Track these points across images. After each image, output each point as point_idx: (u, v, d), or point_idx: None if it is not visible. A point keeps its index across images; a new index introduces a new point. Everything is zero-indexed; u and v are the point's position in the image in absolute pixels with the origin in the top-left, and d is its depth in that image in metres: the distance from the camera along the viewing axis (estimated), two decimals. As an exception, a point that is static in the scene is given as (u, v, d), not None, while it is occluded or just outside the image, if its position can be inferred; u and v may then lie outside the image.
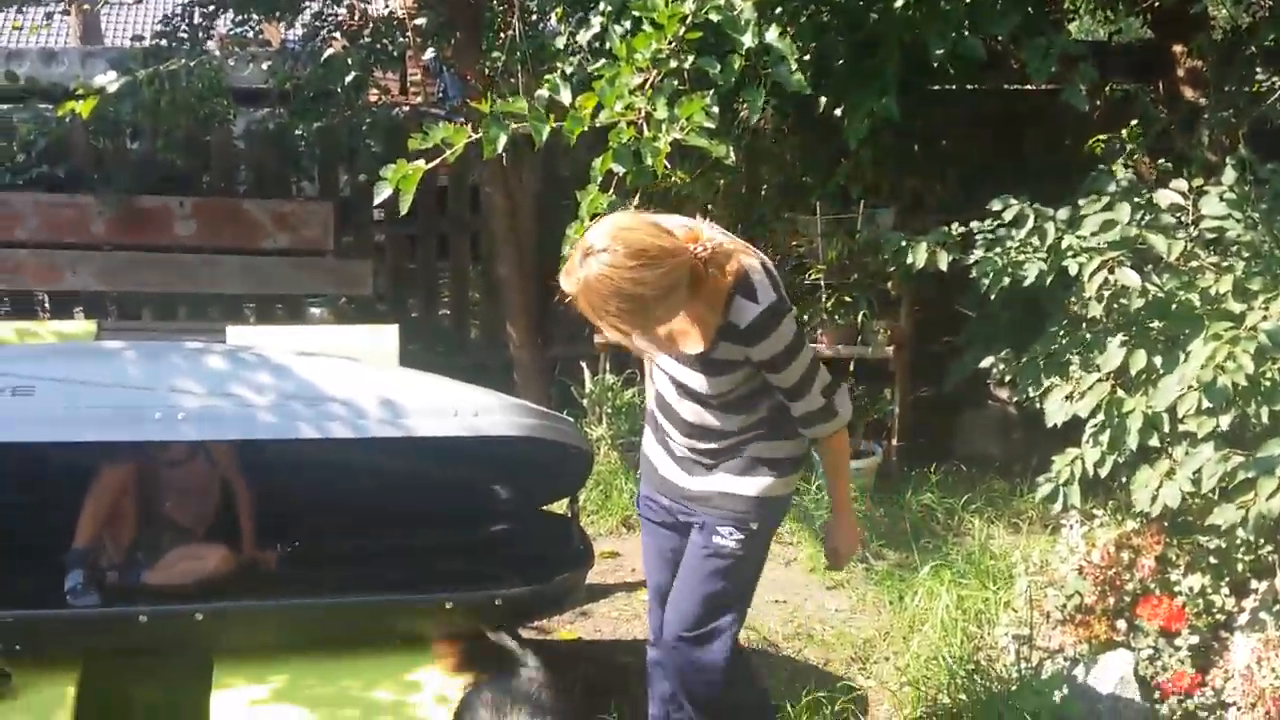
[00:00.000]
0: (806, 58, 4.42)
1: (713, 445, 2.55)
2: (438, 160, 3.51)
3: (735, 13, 3.65)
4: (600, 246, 2.17)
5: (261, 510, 3.52)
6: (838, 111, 4.64)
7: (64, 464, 3.27)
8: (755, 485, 2.54)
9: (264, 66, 6.69)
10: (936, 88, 5.74)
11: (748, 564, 2.60)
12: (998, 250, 4.12)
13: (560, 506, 3.86)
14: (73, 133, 6.04)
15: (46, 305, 6.26)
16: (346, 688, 2.84)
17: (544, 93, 4.22)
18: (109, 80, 5.03)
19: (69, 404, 2.86)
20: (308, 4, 6.43)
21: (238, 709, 2.76)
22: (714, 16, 3.63)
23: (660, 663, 2.75)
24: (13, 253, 5.91)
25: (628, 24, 4.01)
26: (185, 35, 6.18)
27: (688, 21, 3.63)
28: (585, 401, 5.59)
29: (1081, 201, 4.04)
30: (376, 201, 3.53)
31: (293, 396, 2.96)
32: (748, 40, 3.65)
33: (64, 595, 3.14)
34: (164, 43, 6.12)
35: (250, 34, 6.71)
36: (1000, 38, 4.46)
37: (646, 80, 3.63)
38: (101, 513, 3.29)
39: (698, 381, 2.47)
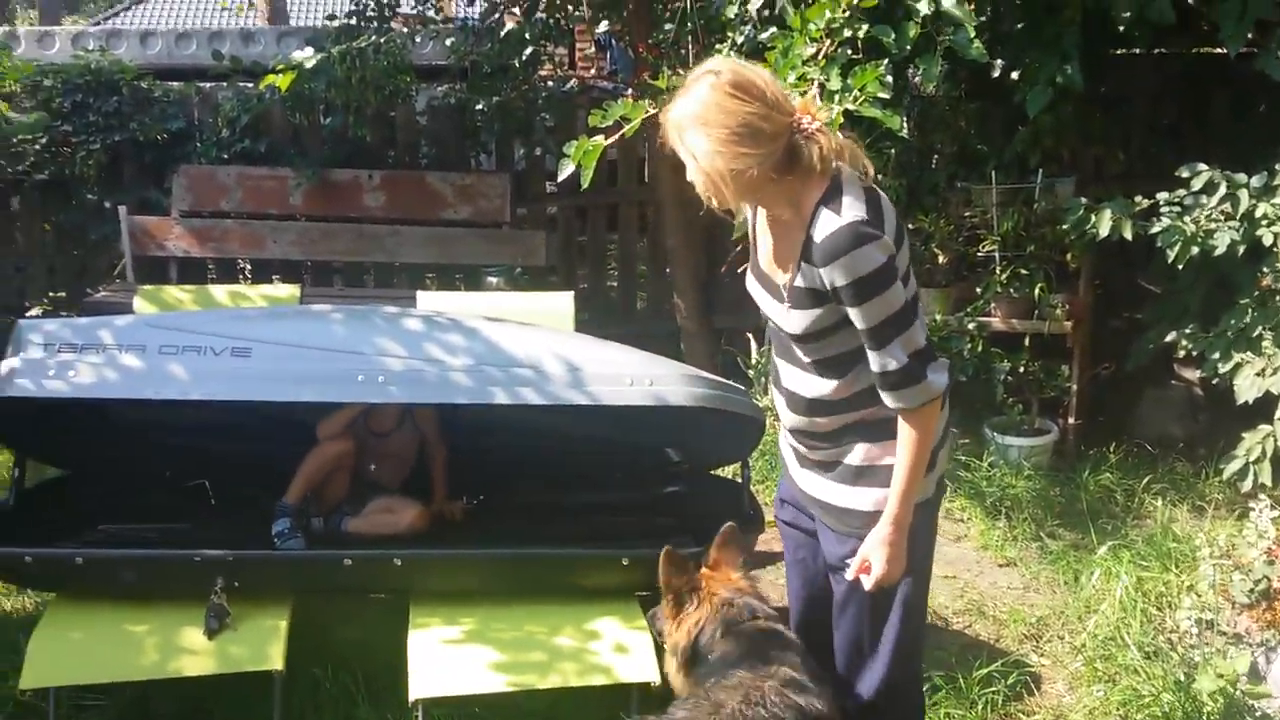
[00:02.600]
0: (983, 19, 4.33)
1: (811, 423, 2.33)
2: (617, 136, 3.61)
3: (911, -21, 3.61)
4: (711, 70, 2.06)
5: (450, 465, 3.73)
6: (1014, 75, 4.54)
7: (280, 416, 3.53)
8: (868, 498, 2.29)
9: (446, 43, 6.95)
10: (1120, 51, 5.53)
11: (888, 591, 2.32)
12: (1186, 219, 3.99)
13: (731, 471, 3.96)
14: (272, 110, 6.41)
15: (248, 272, 6.71)
16: (532, 633, 3.01)
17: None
18: (306, 56, 5.36)
19: (282, 365, 3.07)
20: (487, -19, 6.65)
21: (432, 647, 2.95)
22: (889, -16, 3.61)
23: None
24: (219, 222, 6.33)
25: (798, -9, 4.01)
26: (373, 14, 6.49)
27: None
28: (751, 372, 5.66)
29: (1278, 167, 3.87)
30: (560, 179, 3.65)
31: (487, 362, 3.09)
32: (924, 7, 3.61)
33: (272, 539, 3.42)
34: (354, 21, 6.43)
35: (431, 12, 6.99)
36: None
37: (820, 50, 3.64)
38: (315, 480, 3.56)
39: (785, 317, 2.25)
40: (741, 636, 2.40)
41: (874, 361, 2.16)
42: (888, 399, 2.19)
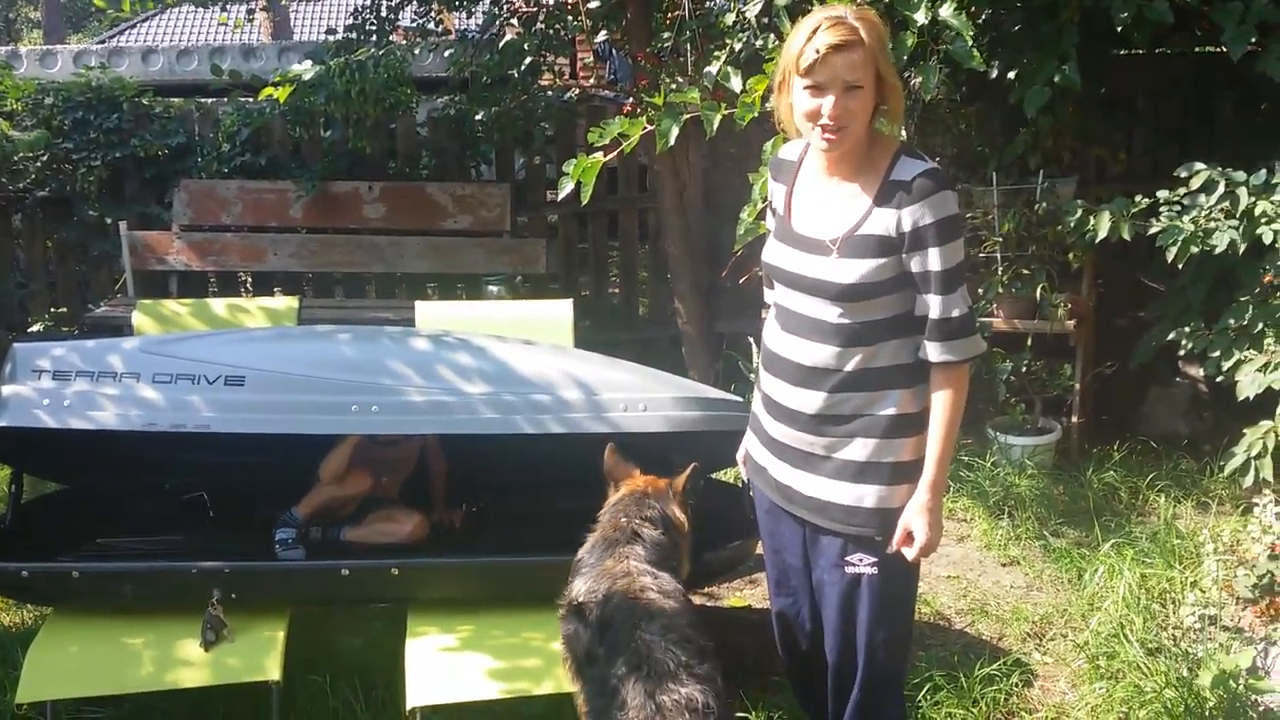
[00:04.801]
0: (981, 21, 4.31)
1: (820, 402, 2.30)
2: (615, 152, 3.62)
3: (907, -12, 3.59)
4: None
5: (449, 474, 3.72)
6: (1011, 75, 4.52)
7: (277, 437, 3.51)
8: (872, 495, 2.30)
9: (445, 55, 6.96)
10: (1121, 52, 5.51)
11: (893, 586, 2.36)
12: (1185, 219, 3.98)
13: (733, 474, 3.95)
14: (272, 124, 6.43)
15: (249, 285, 6.72)
16: (528, 639, 3.00)
17: (712, 69, 4.28)
18: (305, 69, 5.37)
19: (274, 396, 3.04)
20: (485, -8, 6.67)
21: (430, 655, 2.95)
22: (885, -7, 3.60)
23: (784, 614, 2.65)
24: (219, 235, 6.35)
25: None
26: (373, 27, 6.50)
27: (859, 1, 3.61)
28: (752, 376, 5.63)
29: (1277, 165, 3.85)
30: (560, 196, 3.67)
31: (503, 389, 3.07)
32: (920, 17, 3.59)
33: (273, 547, 3.41)
34: (353, 35, 6.45)
35: (431, 25, 7.00)
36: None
37: (816, 61, 3.63)
38: (328, 509, 3.53)
39: (832, 270, 2.25)
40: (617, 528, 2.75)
41: (937, 309, 2.23)
42: (938, 350, 2.25)
